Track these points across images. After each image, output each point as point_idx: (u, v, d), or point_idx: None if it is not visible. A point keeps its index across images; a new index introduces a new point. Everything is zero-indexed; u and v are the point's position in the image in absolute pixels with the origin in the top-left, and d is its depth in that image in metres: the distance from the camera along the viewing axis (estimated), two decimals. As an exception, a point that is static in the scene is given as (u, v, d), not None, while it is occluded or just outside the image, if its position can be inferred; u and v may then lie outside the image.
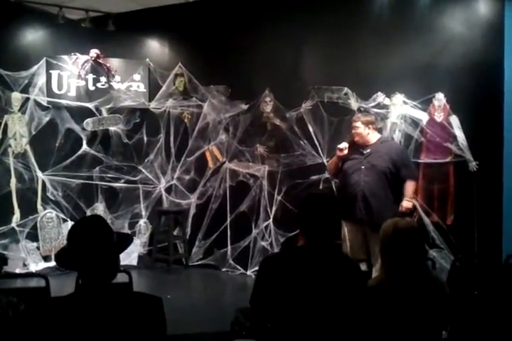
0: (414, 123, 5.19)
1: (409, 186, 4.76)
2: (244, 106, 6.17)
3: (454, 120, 5.02)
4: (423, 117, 5.16)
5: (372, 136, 4.88)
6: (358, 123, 4.86)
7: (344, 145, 4.89)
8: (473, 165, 4.92)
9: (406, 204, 4.73)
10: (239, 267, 6.09)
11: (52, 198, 6.44)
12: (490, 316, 2.71)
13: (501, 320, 2.73)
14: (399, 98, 5.27)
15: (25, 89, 6.25)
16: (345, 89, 5.54)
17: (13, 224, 6.13)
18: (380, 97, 5.36)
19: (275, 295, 2.31)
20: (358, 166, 4.80)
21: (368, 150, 4.83)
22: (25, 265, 6.08)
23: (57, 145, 6.47)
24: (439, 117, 5.08)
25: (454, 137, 5.01)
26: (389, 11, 5.32)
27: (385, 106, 5.35)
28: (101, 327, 1.88)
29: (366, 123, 4.85)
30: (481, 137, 4.90)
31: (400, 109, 5.26)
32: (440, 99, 5.07)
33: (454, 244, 4.94)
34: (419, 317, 2.44)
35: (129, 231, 6.55)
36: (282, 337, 2.31)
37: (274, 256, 2.85)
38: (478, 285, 3.25)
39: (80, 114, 6.58)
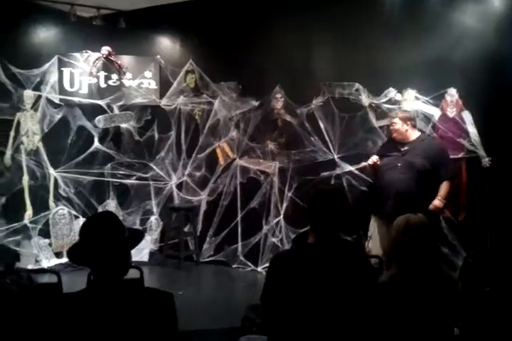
0: (427, 118, 5.15)
1: (445, 186, 4.67)
2: (255, 103, 6.16)
3: (467, 115, 4.98)
4: (435, 113, 5.12)
5: (412, 133, 4.82)
6: (396, 120, 4.82)
7: (373, 159, 4.87)
8: (485, 161, 4.88)
9: (437, 203, 4.64)
10: (249, 263, 6.10)
11: (64, 195, 6.48)
12: (502, 313, 2.68)
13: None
14: (411, 93, 5.24)
15: (37, 87, 6.28)
16: (357, 85, 5.51)
17: (26, 221, 6.17)
18: (392, 93, 5.33)
19: (286, 292, 2.31)
20: (394, 163, 4.76)
21: (406, 148, 4.77)
22: (37, 261, 6.13)
23: (69, 142, 6.51)
24: (451, 113, 5.04)
25: (467, 133, 4.97)
26: (401, 6, 5.27)
27: (397, 102, 5.32)
28: (113, 322, 1.89)
29: (404, 120, 4.79)
30: (493, 133, 4.86)
31: (411, 105, 5.22)
32: (452, 94, 5.03)
33: (466, 240, 4.90)
34: (431, 314, 2.42)
35: (141, 228, 6.58)
36: (293, 333, 2.30)
37: (284, 253, 2.85)
38: (490, 282, 3.23)
39: (92, 112, 6.61)
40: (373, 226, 4.87)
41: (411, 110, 5.10)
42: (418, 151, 4.70)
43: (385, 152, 4.92)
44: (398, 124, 4.80)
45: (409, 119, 4.82)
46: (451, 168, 4.77)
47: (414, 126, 4.85)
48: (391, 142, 4.96)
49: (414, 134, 4.83)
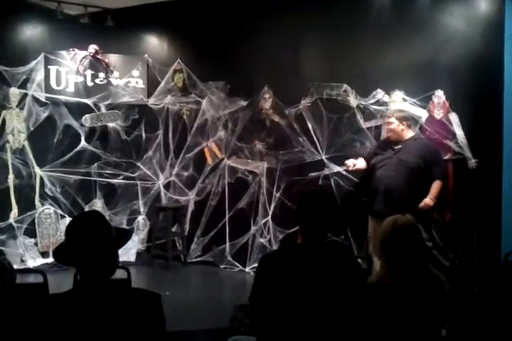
0: (414, 120, 5.17)
1: (436, 185, 4.71)
2: (243, 103, 6.15)
3: (454, 117, 5.01)
4: (422, 114, 5.14)
5: (406, 133, 4.84)
6: (392, 119, 4.83)
7: (350, 162, 4.95)
8: (472, 162, 4.91)
9: (428, 201, 4.68)
10: (237, 264, 6.09)
11: (51, 194, 6.42)
12: (489, 314, 2.71)
13: (500, 318, 2.73)
14: (398, 95, 5.27)
15: (23, 85, 6.22)
16: (345, 86, 5.53)
17: (11, 220, 6.12)
18: (380, 94, 5.35)
19: (274, 292, 2.31)
20: (386, 161, 4.81)
21: (399, 146, 4.80)
22: (22, 261, 6.07)
23: (55, 141, 6.45)
24: (438, 114, 5.07)
25: (454, 134, 5.00)
26: (389, 8, 5.31)
27: (385, 103, 5.35)
28: (100, 323, 1.87)
29: (401, 119, 4.80)
30: (480, 135, 4.90)
31: (399, 106, 5.25)
32: (440, 96, 5.06)
33: (453, 241, 4.94)
34: (418, 315, 2.44)
35: (128, 228, 6.54)
36: (281, 334, 2.30)
37: (273, 254, 2.84)
38: (478, 283, 3.25)
39: (79, 110, 6.55)
40: (370, 227, 4.89)
41: (407, 109, 5.10)
42: (411, 150, 4.73)
43: (379, 151, 4.96)
44: (394, 124, 4.81)
45: (406, 119, 4.84)
46: (444, 167, 4.82)
47: (409, 126, 4.87)
48: (385, 141, 5.02)
49: (408, 134, 4.86)
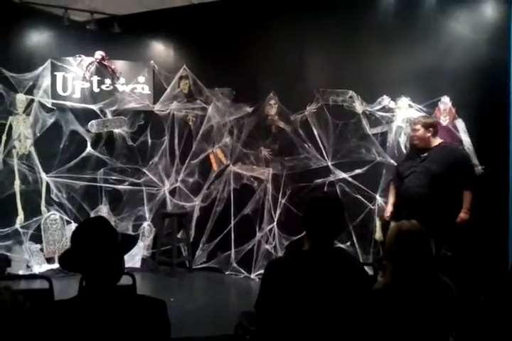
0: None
1: (468, 196, 4.58)
2: (249, 109, 6.16)
3: (460, 124, 5.00)
4: (428, 121, 5.12)
5: (433, 140, 4.73)
6: (418, 126, 4.73)
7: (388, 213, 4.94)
8: (478, 169, 4.88)
9: (463, 215, 4.56)
10: (242, 270, 6.07)
11: (57, 200, 6.44)
12: (497, 322, 2.68)
13: (508, 326, 2.70)
14: (404, 101, 5.26)
15: (30, 91, 6.26)
16: (350, 92, 5.53)
17: (17, 226, 6.13)
18: (386, 100, 5.35)
19: (280, 299, 2.30)
20: (412, 170, 4.71)
21: (426, 154, 4.69)
22: (28, 267, 6.08)
23: (61, 147, 6.48)
24: (444, 121, 5.05)
25: (460, 141, 4.98)
26: (394, 14, 5.31)
27: (391, 110, 5.34)
28: (105, 329, 1.87)
29: (426, 126, 4.70)
30: (487, 141, 4.87)
31: (405, 113, 5.25)
32: (446, 102, 5.05)
33: (460, 248, 4.90)
34: (425, 322, 2.41)
35: (133, 234, 6.54)
36: (287, 341, 2.29)
37: (279, 260, 2.84)
38: (485, 291, 3.22)
39: (85, 116, 6.58)
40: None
41: (433, 116, 5.02)
42: (437, 158, 4.62)
43: (406, 159, 4.90)
44: (420, 131, 4.71)
45: (431, 126, 4.72)
46: (473, 177, 4.70)
47: (435, 133, 4.75)
48: (413, 149, 4.92)
49: (435, 141, 4.74)
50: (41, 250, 6.25)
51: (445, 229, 4.52)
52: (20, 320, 2.18)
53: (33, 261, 6.12)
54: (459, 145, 4.95)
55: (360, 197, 5.48)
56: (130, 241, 2.11)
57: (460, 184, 4.59)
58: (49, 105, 6.41)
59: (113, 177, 6.69)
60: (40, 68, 6.34)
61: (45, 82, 6.38)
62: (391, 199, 4.98)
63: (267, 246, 5.96)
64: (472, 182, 4.65)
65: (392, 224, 4.76)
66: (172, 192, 6.67)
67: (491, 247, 4.74)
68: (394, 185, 5.01)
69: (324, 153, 5.68)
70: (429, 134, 4.71)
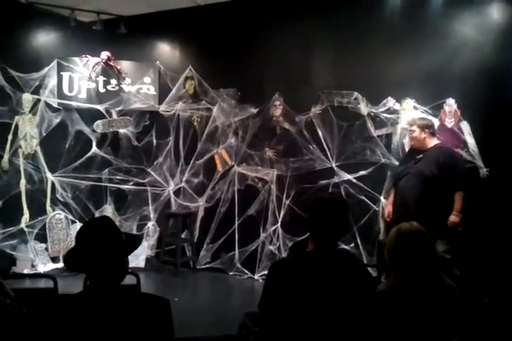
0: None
1: (458, 198, 4.58)
2: (254, 110, 6.17)
3: (465, 126, 4.99)
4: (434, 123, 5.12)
5: (429, 141, 4.75)
6: (414, 127, 4.76)
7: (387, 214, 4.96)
8: (484, 171, 4.88)
9: (453, 218, 4.57)
10: (246, 271, 6.08)
11: (62, 199, 6.46)
12: (500, 324, 2.68)
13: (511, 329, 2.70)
14: (409, 103, 5.26)
15: (36, 91, 6.29)
16: (355, 94, 5.53)
17: (22, 225, 6.16)
18: (391, 102, 5.35)
19: (284, 300, 2.30)
20: (407, 171, 4.74)
21: (421, 156, 4.72)
22: (33, 266, 6.10)
23: (67, 146, 6.51)
24: (449, 123, 5.05)
25: (465, 143, 4.97)
26: (400, 16, 5.31)
27: (395, 111, 5.34)
28: (109, 328, 1.88)
29: (422, 127, 4.73)
30: (492, 143, 4.86)
31: (410, 114, 5.24)
32: (451, 104, 5.05)
33: (465, 251, 4.89)
34: (429, 324, 2.41)
35: (138, 234, 6.56)
36: (291, 342, 2.29)
37: (283, 261, 2.84)
38: (489, 293, 3.22)
39: (90, 116, 6.61)
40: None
41: (429, 118, 5.03)
42: (431, 159, 4.64)
43: (404, 161, 4.92)
44: (416, 132, 4.74)
45: (427, 127, 4.74)
46: (465, 178, 4.68)
47: (432, 134, 4.76)
48: (410, 150, 4.95)
49: (431, 142, 4.76)
50: (46, 249, 6.27)
51: (438, 231, 4.50)
52: (15, 325, 2.18)
53: (38, 260, 6.14)
54: (460, 146, 4.96)
55: (364, 198, 5.48)
56: (134, 241, 2.12)
57: (452, 185, 4.59)
58: (55, 105, 6.44)
59: (118, 177, 6.71)
60: (47, 68, 6.37)
61: (52, 82, 6.41)
62: (389, 200, 5.00)
63: (271, 247, 5.96)
64: (463, 184, 4.63)
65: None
66: (177, 193, 6.68)
67: (496, 250, 4.73)
68: (393, 185, 5.03)
69: (329, 155, 5.68)
70: (425, 135, 4.73)
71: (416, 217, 4.25)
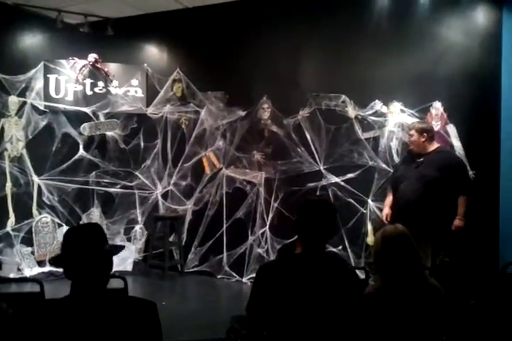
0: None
1: (462, 203, 4.57)
2: (242, 113, 6.17)
3: (451, 129, 5.03)
4: (420, 126, 5.15)
5: (429, 145, 4.73)
6: (413, 131, 4.74)
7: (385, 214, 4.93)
8: (470, 174, 4.91)
9: (458, 223, 4.56)
10: (234, 274, 6.07)
11: (48, 203, 6.41)
12: (487, 325, 2.70)
13: (498, 330, 2.72)
14: (396, 106, 5.29)
15: (22, 93, 6.24)
16: (343, 97, 5.55)
17: (8, 229, 6.10)
18: (378, 105, 5.38)
19: (272, 303, 2.30)
20: (408, 175, 4.70)
21: (421, 159, 4.69)
22: (19, 270, 6.04)
23: (53, 149, 6.46)
24: (436, 126, 5.08)
25: (451, 146, 5.00)
26: (387, 20, 5.34)
27: (383, 114, 5.37)
28: (96, 332, 1.87)
29: (421, 131, 4.70)
30: (478, 146, 4.90)
31: (397, 117, 5.27)
32: (437, 107, 5.08)
33: (451, 252, 4.92)
34: (416, 326, 2.42)
35: (125, 237, 6.57)
36: (279, 345, 2.29)
37: (271, 264, 2.83)
38: (475, 295, 3.24)
39: (77, 119, 6.57)
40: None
41: (428, 122, 5.02)
42: (432, 163, 4.61)
43: (403, 164, 4.91)
44: (415, 136, 4.72)
45: (426, 131, 4.71)
46: (468, 182, 4.69)
47: (431, 138, 4.75)
48: (409, 154, 4.92)
49: (431, 146, 4.74)
50: (32, 253, 6.22)
51: (441, 235, 4.53)
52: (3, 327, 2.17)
53: (24, 264, 6.08)
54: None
55: (352, 201, 5.49)
56: (116, 249, 2.10)
57: (455, 189, 4.58)
58: (41, 107, 6.40)
59: (105, 180, 6.68)
60: (33, 70, 6.33)
61: (38, 85, 6.37)
62: (388, 202, 4.98)
63: (259, 250, 5.96)
64: (468, 188, 4.64)
65: None
66: (164, 196, 6.66)
67: (482, 252, 4.76)
68: (391, 188, 5.00)
69: (317, 157, 5.70)
70: (424, 139, 4.70)
71: (419, 221, 4.34)
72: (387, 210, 4.95)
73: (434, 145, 4.77)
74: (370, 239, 5.34)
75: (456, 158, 4.82)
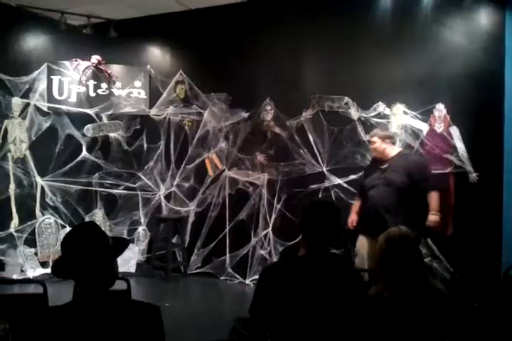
0: (415, 134, 5.20)
1: (433, 198, 4.62)
2: (245, 115, 6.17)
3: (455, 131, 5.03)
4: (423, 128, 5.16)
5: (391, 150, 4.81)
6: (375, 138, 4.83)
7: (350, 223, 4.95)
8: (473, 176, 4.91)
9: (433, 218, 4.60)
10: (237, 276, 6.06)
11: (51, 204, 6.42)
12: (489, 328, 2.69)
13: (501, 333, 2.71)
14: (399, 108, 5.29)
15: (25, 95, 6.25)
16: (346, 99, 5.55)
17: (12, 230, 6.11)
18: (381, 107, 5.37)
19: (275, 304, 2.30)
20: (375, 182, 4.75)
21: (386, 165, 4.75)
22: (22, 271, 6.05)
23: (56, 151, 6.47)
24: (439, 128, 5.09)
25: (454, 148, 5.01)
26: (390, 22, 5.35)
27: (386, 116, 5.37)
28: (99, 335, 1.86)
29: (383, 138, 4.80)
30: (481, 148, 4.91)
31: (400, 119, 5.27)
32: (441, 109, 5.08)
33: (454, 255, 4.92)
34: (419, 328, 2.42)
35: (125, 237, 6.54)
36: (282, 347, 2.29)
37: (274, 266, 2.83)
38: (478, 297, 3.24)
39: (80, 120, 6.58)
40: (359, 243, 4.85)
41: (395, 128, 5.14)
42: (397, 167, 4.68)
43: (369, 171, 4.94)
44: (377, 143, 4.81)
45: (388, 137, 4.82)
46: (432, 179, 4.73)
47: (393, 144, 4.87)
48: (374, 160, 4.99)
49: (393, 151, 4.82)
50: (35, 254, 6.23)
51: (418, 237, 4.52)
52: None
53: (27, 265, 6.09)
54: (449, 151, 5.00)
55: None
56: (122, 244, 2.09)
57: (421, 188, 4.63)
58: (45, 109, 6.41)
59: (108, 182, 6.69)
60: (37, 72, 6.34)
61: (41, 86, 6.38)
62: (355, 208, 5.02)
63: (262, 252, 5.96)
64: (431, 183, 4.67)
65: (361, 237, 4.79)
66: (167, 197, 6.66)
67: (484, 254, 4.76)
68: (359, 195, 5.04)
69: (319, 159, 5.70)
70: (385, 145, 4.79)
71: (394, 224, 4.35)
72: (353, 216, 4.98)
73: (396, 150, 4.85)
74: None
75: (414, 157, 4.88)
